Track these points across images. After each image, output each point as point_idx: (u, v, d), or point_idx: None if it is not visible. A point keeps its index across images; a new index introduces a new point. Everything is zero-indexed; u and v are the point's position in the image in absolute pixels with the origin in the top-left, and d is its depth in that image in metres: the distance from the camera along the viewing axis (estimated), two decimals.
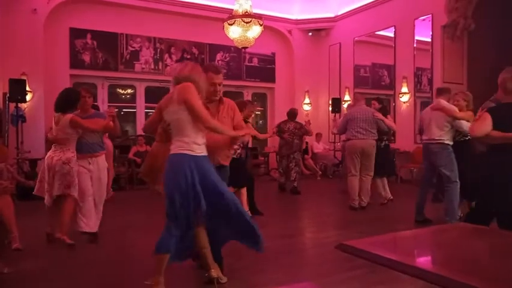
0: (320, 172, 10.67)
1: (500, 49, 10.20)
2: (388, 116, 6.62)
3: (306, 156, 10.51)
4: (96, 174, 4.30)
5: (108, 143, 6.07)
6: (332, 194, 8.12)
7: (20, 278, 3.37)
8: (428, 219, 5.08)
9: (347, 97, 10.98)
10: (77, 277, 3.39)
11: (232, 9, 7.38)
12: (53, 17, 8.78)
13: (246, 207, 5.45)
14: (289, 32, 11.63)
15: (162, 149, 3.01)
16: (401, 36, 9.65)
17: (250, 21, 7.05)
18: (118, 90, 10.28)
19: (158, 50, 10.10)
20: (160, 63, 10.12)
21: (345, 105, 10.19)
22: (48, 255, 3.99)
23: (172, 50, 10.25)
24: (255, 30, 7.20)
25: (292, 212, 6.47)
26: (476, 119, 3.20)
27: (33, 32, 8.43)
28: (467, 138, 4.84)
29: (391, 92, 10.17)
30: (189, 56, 10.36)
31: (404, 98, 9.72)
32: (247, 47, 7.69)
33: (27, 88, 8.10)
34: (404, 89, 9.66)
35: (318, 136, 10.94)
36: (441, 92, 5.09)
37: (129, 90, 10.38)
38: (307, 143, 10.73)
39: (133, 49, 9.84)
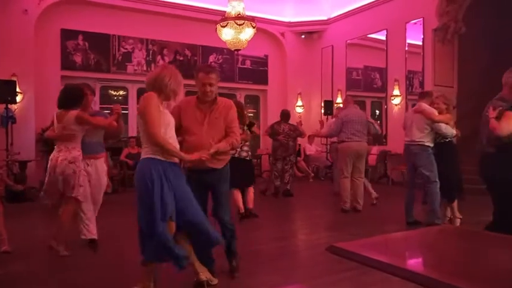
0: (312, 174, 10.70)
1: (490, 52, 10.33)
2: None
3: (298, 158, 10.51)
4: (94, 177, 4.10)
5: None
6: (324, 196, 8.14)
7: (10, 281, 3.33)
8: (418, 220, 5.13)
9: (339, 99, 11.02)
10: (69, 280, 3.36)
11: (225, 12, 7.38)
12: (44, 18, 8.71)
13: (242, 207, 5.54)
14: (282, 34, 11.66)
15: None
16: (393, 39, 9.72)
17: (243, 23, 7.05)
18: (110, 91, 10.22)
19: (151, 51, 10.07)
20: (152, 65, 10.07)
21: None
22: (39, 258, 3.94)
23: (165, 51, 10.23)
24: (247, 33, 7.20)
25: (285, 214, 6.47)
26: (505, 118, 3.13)
27: (23, 32, 8.36)
28: (447, 140, 5.00)
29: (383, 95, 10.24)
30: (181, 58, 10.35)
31: (396, 101, 9.79)
32: (240, 49, 7.69)
33: (18, 89, 8.03)
34: (396, 92, 9.73)
35: (311, 138, 10.97)
36: (423, 95, 5.27)
37: (121, 92, 10.32)
38: (299, 145, 10.76)
39: (125, 50, 9.80)
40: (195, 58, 10.47)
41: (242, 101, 10.93)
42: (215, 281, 3.04)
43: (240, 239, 3.43)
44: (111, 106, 4.29)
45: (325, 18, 11.43)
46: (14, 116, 7.98)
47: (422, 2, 8.95)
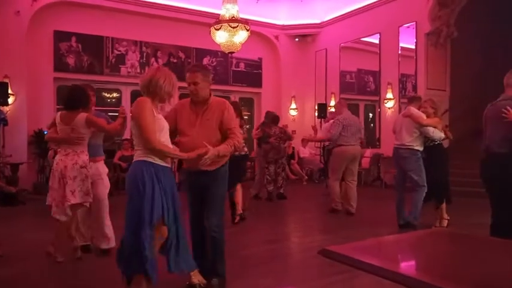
0: (306, 177, 10.71)
1: (482, 56, 10.44)
2: None
3: (292, 161, 10.55)
4: (97, 180, 3.94)
5: None
6: (318, 198, 8.14)
7: (2, 285, 3.30)
8: (411, 222, 5.15)
9: (333, 102, 11.06)
10: (63, 284, 3.34)
11: (219, 14, 7.39)
12: (37, 19, 8.66)
13: (242, 205, 5.64)
14: (276, 37, 11.69)
15: None
16: (386, 43, 9.79)
17: (237, 26, 7.06)
18: (103, 94, 10.17)
19: (144, 53, 10.04)
20: (146, 67, 10.04)
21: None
22: (32, 262, 3.90)
23: (159, 54, 10.21)
24: (241, 35, 7.21)
25: (277, 217, 6.47)
26: None
27: (16, 34, 8.30)
28: (436, 143, 5.09)
29: (376, 98, 10.30)
30: (175, 60, 10.33)
31: (389, 104, 9.84)
32: (234, 52, 7.70)
33: (10, 91, 7.97)
34: (389, 95, 9.79)
35: (304, 141, 10.99)
36: (412, 100, 5.39)
37: (114, 94, 10.28)
38: (293, 147, 10.79)
39: (119, 53, 9.76)
40: (189, 60, 10.46)
41: None
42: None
43: (232, 242, 3.41)
44: (118, 109, 3.96)
45: (318, 21, 11.48)
46: (5, 118, 7.90)
47: (415, 7, 9.02)
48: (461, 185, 7.04)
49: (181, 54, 10.46)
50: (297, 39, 12.01)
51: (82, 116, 3.70)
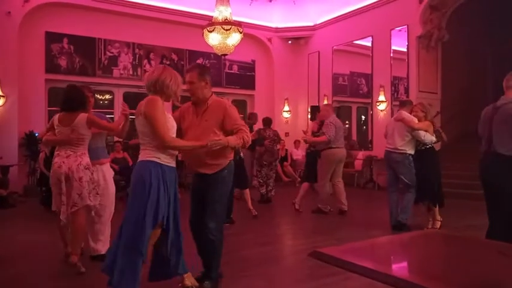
0: (299, 179, 10.68)
1: (472, 59, 10.55)
2: None
3: (285, 163, 10.55)
4: (102, 184, 3.82)
5: None
6: (310, 200, 8.14)
7: None
8: (401, 221, 5.20)
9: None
10: (57, 286, 3.31)
11: (212, 16, 7.39)
12: (28, 20, 8.59)
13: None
14: (269, 40, 11.72)
15: None
16: (379, 45, 9.85)
17: (230, 28, 7.07)
18: (96, 95, 10.08)
19: (137, 55, 10.01)
20: (139, 69, 10.02)
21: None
22: (24, 264, 3.86)
23: (152, 55, 10.18)
24: (234, 38, 7.22)
25: (270, 219, 6.47)
26: None
27: (7, 35, 8.23)
28: (427, 147, 5.16)
29: (369, 101, 10.35)
30: (168, 62, 10.30)
31: (382, 106, 9.90)
32: (227, 54, 7.70)
33: (0, 92, 7.90)
34: (382, 98, 9.85)
35: (297, 143, 11.01)
36: (404, 104, 5.51)
37: (107, 96, 10.22)
38: (286, 149, 10.80)
39: (111, 54, 9.72)
40: (182, 62, 10.44)
41: None
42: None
43: (225, 244, 3.34)
44: (120, 107, 3.90)
45: (311, 24, 11.53)
46: None
47: (407, 10, 9.09)
48: (452, 187, 7.10)
49: (174, 56, 10.43)
50: (290, 42, 12.04)
51: (83, 116, 3.59)
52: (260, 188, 7.64)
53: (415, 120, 5.11)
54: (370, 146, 10.26)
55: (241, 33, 7.26)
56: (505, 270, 1.54)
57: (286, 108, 12.04)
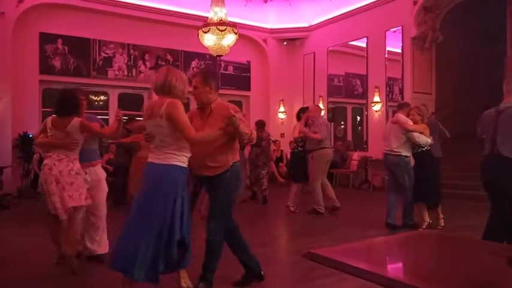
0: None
1: (467, 60, 10.62)
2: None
3: (280, 164, 10.55)
4: (94, 185, 3.84)
5: None
6: (305, 201, 8.15)
7: None
8: (396, 225, 5.25)
9: (321, 106, 11.11)
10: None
11: (207, 17, 7.39)
12: (22, 21, 8.54)
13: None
14: (264, 40, 11.73)
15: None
16: (374, 46, 9.89)
17: (225, 29, 7.07)
18: (90, 96, 10.06)
19: (132, 56, 9.98)
20: (134, 70, 10.00)
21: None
22: (17, 267, 3.84)
23: (147, 56, 10.16)
24: (229, 39, 7.22)
25: (266, 220, 6.47)
26: None
27: (0, 35, 8.17)
28: (424, 149, 5.24)
29: (364, 101, 10.38)
30: (163, 63, 10.28)
31: (377, 107, 9.93)
32: (222, 55, 7.70)
33: None
34: (377, 98, 9.88)
35: (292, 144, 10.99)
36: (401, 106, 5.62)
37: (102, 97, 10.18)
38: (282, 150, 10.80)
39: (106, 55, 9.68)
40: (177, 63, 10.42)
41: None
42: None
43: None
44: (115, 112, 3.94)
45: (306, 25, 11.55)
46: None
47: (401, 11, 9.14)
48: (445, 187, 7.11)
49: (169, 57, 10.42)
50: (285, 43, 12.06)
51: (76, 121, 3.60)
52: (252, 186, 7.80)
53: (410, 122, 5.19)
54: (365, 146, 10.29)
55: (236, 34, 7.26)
56: (498, 270, 1.55)
57: (282, 109, 12.05)
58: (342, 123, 11.90)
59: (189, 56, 10.60)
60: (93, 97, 10.16)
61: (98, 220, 3.87)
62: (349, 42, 10.61)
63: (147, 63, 10.10)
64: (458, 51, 10.32)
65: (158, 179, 2.73)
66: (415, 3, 8.94)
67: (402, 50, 9.29)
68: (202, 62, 10.81)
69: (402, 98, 8.98)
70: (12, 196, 7.81)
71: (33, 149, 7.77)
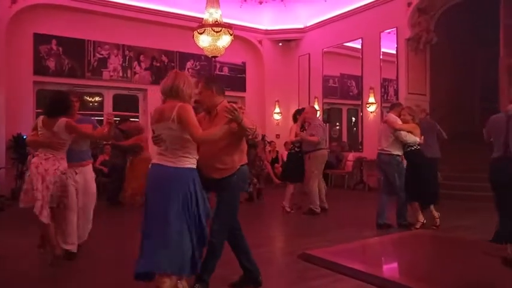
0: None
1: (461, 62, 10.68)
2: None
3: (276, 165, 10.54)
4: (82, 186, 3.97)
5: None
6: (301, 202, 8.15)
7: None
8: (388, 223, 5.30)
9: (316, 107, 11.12)
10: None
11: (202, 18, 7.38)
12: (16, 22, 8.48)
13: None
14: (260, 42, 11.73)
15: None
16: (368, 48, 9.92)
17: (220, 30, 7.06)
18: (85, 97, 10.02)
19: (127, 57, 9.94)
20: (129, 71, 9.96)
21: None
22: (12, 268, 3.82)
23: (142, 57, 10.12)
24: (224, 40, 7.21)
25: (261, 221, 6.47)
26: None
27: None
28: (413, 148, 5.26)
29: (359, 102, 10.42)
30: (158, 64, 10.27)
31: (371, 108, 9.96)
32: (217, 56, 7.69)
33: None
34: (372, 99, 9.91)
35: (287, 145, 10.99)
36: (392, 107, 5.74)
37: (96, 98, 10.14)
38: (277, 151, 10.80)
39: (101, 56, 9.64)
40: (172, 64, 10.39)
41: None
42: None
43: None
44: (105, 115, 4.07)
45: (301, 26, 11.57)
46: None
47: (396, 13, 9.18)
48: (441, 188, 7.16)
49: (164, 58, 10.39)
50: (280, 44, 12.07)
51: (62, 121, 3.71)
52: (248, 188, 7.73)
53: (399, 121, 5.26)
54: (360, 147, 10.31)
55: (231, 35, 7.25)
56: (490, 269, 1.56)
57: (277, 110, 12.05)
58: (337, 124, 11.93)
59: (184, 57, 10.58)
60: (88, 98, 10.11)
61: (86, 217, 4.00)
62: (344, 44, 10.64)
63: (142, 64, 10.07)
64: (452, 52, 10.38)
65: (175, 182, 2.73)
66: (409, 4, 8.98)
67: (397, 51, 9.34)
68: (197, 63, 10.79)
69: (397, 99, 9.00)
70: (6, 198, 7.75)
71: (27, 150, 7.72)
